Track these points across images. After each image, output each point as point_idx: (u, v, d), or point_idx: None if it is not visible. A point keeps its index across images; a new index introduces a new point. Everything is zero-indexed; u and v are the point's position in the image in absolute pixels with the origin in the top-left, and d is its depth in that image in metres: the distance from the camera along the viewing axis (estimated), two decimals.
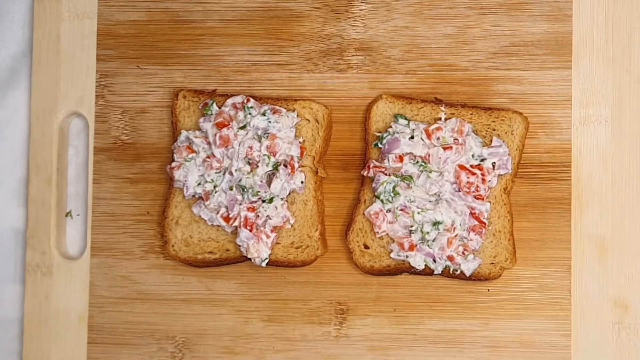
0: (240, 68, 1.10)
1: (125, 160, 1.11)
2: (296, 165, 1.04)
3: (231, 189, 1.05)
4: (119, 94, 1.11)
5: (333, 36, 1.09)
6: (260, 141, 1.04)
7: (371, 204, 1.05)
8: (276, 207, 1.04)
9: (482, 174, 1.02)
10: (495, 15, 1.07)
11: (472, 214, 1.02)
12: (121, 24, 1.12)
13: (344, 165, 1.08)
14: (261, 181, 1.04)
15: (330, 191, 1.08)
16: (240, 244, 1.05)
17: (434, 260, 1.03)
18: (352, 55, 1.09)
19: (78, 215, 1.13)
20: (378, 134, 1.05)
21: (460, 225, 1.02)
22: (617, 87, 1.06)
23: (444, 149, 1.02)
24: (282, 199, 1.05)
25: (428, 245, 1.02)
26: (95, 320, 1.10)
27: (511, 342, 1.06)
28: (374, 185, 1.04)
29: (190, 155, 1.06)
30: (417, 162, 1.03)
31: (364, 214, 1.05)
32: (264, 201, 1.04)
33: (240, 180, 1.04)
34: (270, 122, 1.04)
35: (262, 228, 1.04)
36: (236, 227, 1.05)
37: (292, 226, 1.06)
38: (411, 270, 1.05)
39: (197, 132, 1.07)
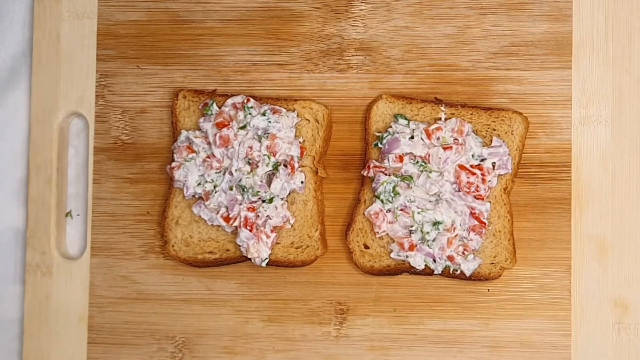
0: (240, 68, 1.10)
1: (125, 160, 1.11)
2: (296, 165, 1.04)
3: (231, 189, 1.05)
4: (119, 94, 1.11)
5: (333, 36, 1.09)
6: (260, 141, 1.04)
7: (371, 204, 1.05)
8: (276, 207, 1.04)
9: (482, 174, 1.02)
10: (495, 15, 1.07)
11: (472, 214, 1.02)
12: (121, 24, 1.12)
13: (344, 165, 1.08)
14: (261, 181, 1.04)
15: (330, 191, 1.08)
16: (240, 244, 1.05)
17: (434, 260, 1.03)
18: (352, 55, 1.09)
19: (78, 215, 1.13)
20: (378, 134, 1.05)
21: (460, 225, 1.02)
22: (617, 87, 1.06)
23: (444, 149, 1.02)
24: (282, 199, 1.05)
25: (428, 245, 1.02)
26: (95, 320, 1.10)
27: (511, 342, 1.06)
28: (374, 185, 1.04)
29: (190, 155, 1.06)
30: (417, 162, 1.03)
31: (364, 214, 1.05)
32: (264, 201, 1.04)
33: (240, 180, 1.04)
34: (270, 122, 1.04)
35: (262, 228, 1.04)
36: (236, 227, 1.05)
37: (292, 226, 1.06)
38: (411, 270, 1.05)
39: (197, 132, 1.07)
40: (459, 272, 1.04)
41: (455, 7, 1.08)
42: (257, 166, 1.04)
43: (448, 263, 1.03)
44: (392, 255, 1.05)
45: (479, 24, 1.07)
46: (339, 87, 1.09)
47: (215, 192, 1.05)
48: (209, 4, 1.11)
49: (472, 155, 1.03)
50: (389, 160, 1.03)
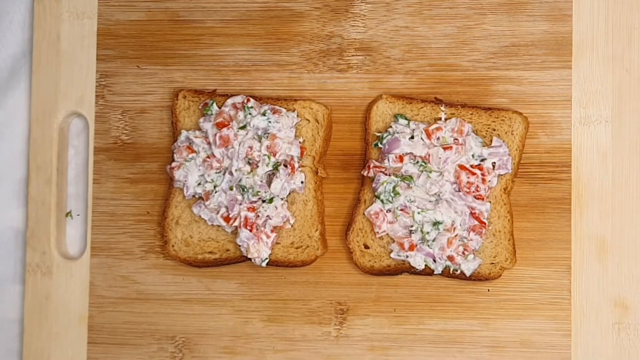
0: (240, 68, 1.10)
1: (125, 160, 1.11)
2: (296, 165, 1.04)
3: (231, 189, 1.05)
4: (119, 94, 1.11)
5: (333, 36, 1.09)
6: (260, 141, 1.04)
7: (371, 204, 1.05)
8: (276, 207, 1.04)
9: (482, 174, 1.02)
10: (495, 15, 1.07)
11: (472, 214, 1.02)
12: (121, 24, 1.12)
13: (344, 165, 1.08)
14: (261, 181, 1.04)
15: (330, 191, 1.08)
16: (240, 244, 1.05)
17: (434, 260, 1.03)
18: (352, 55, 1.09)
19: (78, 215, 1.13)
20: (378, 134, 1.05)
21: (460, 225, 1.02)
22: (617, 87, 1.06)
23: (444, 149, 1.02)
24: (282, 199, 1.05)
25: (428, 245, 1.02)
26: (95, 320, 1.10)
27: (511, 342, 1.06)
28: (374, 185, 1.04)
29: (190, 155, 1.06)
30: (417, 162, 1.03)
31: (364, 214, 1.05)
32: (264, 201, 1.04)
33: (240, 180, 1.04)
34: (270, 122, 1.04)
35: (262, 228, 1.04)
36: (236, 227, 1.05)
37: (292, 226, 1.06)
38: (411, 270, 1.05)
39: (197, 132, 1.07)
40: (459, 272, 1.04)
41: (455, 7, 1.08)
42: (257, 166, 1.04)
43: (448, 263, 1.03)
44: (392, 255, 1.05)
45: (479, 24, 1.07)
46: (339, 87, 1.09)
47: (215, 192, 1.05)
48: (209, 4, 1.11)
49: (472, 155, 1.03)
50: (389, 160, 1.03)
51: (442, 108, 1.05)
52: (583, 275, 1.05)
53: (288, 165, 1.04)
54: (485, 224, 1.03)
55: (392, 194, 1.03)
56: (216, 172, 1.05)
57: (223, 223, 1.05)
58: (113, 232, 1.11)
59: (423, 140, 1.03)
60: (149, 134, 1.11)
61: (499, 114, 1.05)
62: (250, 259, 1.06)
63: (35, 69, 1.12)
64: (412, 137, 1.03)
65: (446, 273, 1.04)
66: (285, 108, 1.06)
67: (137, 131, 1.11)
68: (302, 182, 1.06)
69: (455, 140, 1.03)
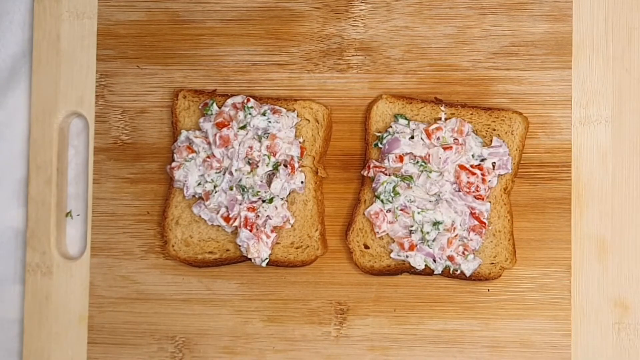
0: (240, 68, 1.10)
1: (125, 160, 1.11)
2: (296, 165, 1.04)
3: (231, 189, 1.05)
4: (119, 94, 1.11)
5: (333, 36, 1.09)
6: (260, 141, 1.04)
7: (371, 204, 1.05)
8: (276, 207, 1.04)
9: (482, 174, 1.02)
10: (495, 15, 1.07)
11: (472, 214, 1.02)
12: (121, 24, 1.12)
13: (344, 165, 1.08)
14: (261, 181, 1.04)
15: (330, 191, 1.08)
16: (240, 244, 1.05)
17: (434, 260, 1.03)
18: (352, 55, 1.09)
19: (78, 215, 1.13)
20: (378, 134, 1.05)
21: (460, 225, 1.02)
22: (617, 87, 1.06)
23: (444, 149, 1.02)
24: (282, 199, 1.05)
25: (428, 245, 1.02)
26: (95, 320, 1.10)
27: (511, 342, 1.06)
28: (374, 185, 1.04)
29: (190, 155, 1.06)
30: (417, 162, 1.03)
31: (364, 214, 1.05)
32: (264, 201, 1.04)
33: (240, 180, 1.04)
34: (270, 122, 1.04)
35: (262, 228, 1.04)
36: (236, 227, 1.05)
37: (292, 226, 1.06)
38: (411, 270, 1.05)
39: (197, 132, 1.07)
40: (459, 272, 1.04)
41: (455, 7, 1.08)
42: (257, 166, 1.04)
43: (448, 263, 1.03)
44: (392, 255, 1.05)
45: (479, 24, 1.07)
46: (339, 87, 1.09)
47: (215, 192, 1.05)
48: (209, 4, 1.11)
49: (472, 155, 1.03)
50: (389, 160, 1.03)
51: (442, 108, 1.05)
52: (583, 275, 1.05)
53: (288, 165, 1.04)
54: (485, 224, 1.03)
55: (392, 194, 1.03)
56: (216, 172, 1.05)
57: (223, 223, 1.05)
58: (113, 232, 1.11)
59: (423, 140, 1.03)
60: (149, 134, 1.11)
61: (499, 114, 1.05)
62: (250, 259, 1.06)
63: (35, 69, 1.12)
64: (412, 137, 1.03)
65: (446, 273, 1.04)
66: (285, 108, 1.06)
67: (137, 131, 1.11)
68: (302, 182, 1.06)
69: (455, 140, 1.02)
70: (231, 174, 1.04)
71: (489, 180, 1.02)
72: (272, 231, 1.05)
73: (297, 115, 1.06)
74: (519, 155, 1.04)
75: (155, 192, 1.11)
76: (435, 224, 1.02)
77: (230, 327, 1.09)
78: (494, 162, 1.03)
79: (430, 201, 1.03)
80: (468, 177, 1.02)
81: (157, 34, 1.11)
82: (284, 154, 1.04)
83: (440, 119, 1.04)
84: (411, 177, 1.02)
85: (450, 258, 1.03)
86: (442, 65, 1.08)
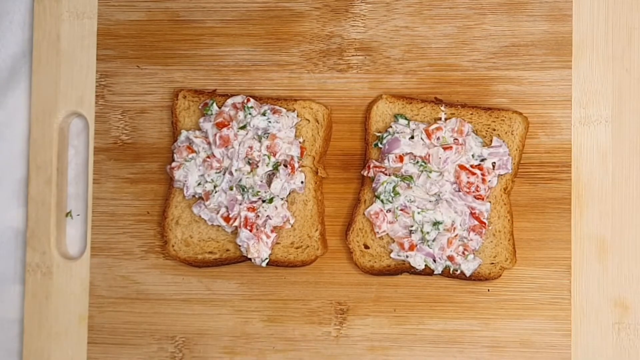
0: (240, 68, 1.10)
1: (125, 160, 1.11)
2: (296, 165, 1.04)
3: (231, 189, 1.05)
4: (119, 94, 1.11)
5: (333, 36, 1.09)
6: (260, 141, 1.04)
7: (371, 204, 1.05)
8: (276, 207, 1.04)
9: (482, 174, 1.02)
10: (495, 15, 1.07)
11: (472, 214, 1.02)
12: (121, 24, 1.12)
13: (344, 165, 1.08)
14: (261, 181, 1.04)
15: (330, 191, 1.08)
16: (240, 244, 1.05)
17: (434, 260, 1.03)
18: (352, 55, 1.09)
19: (78, 215, 1.13)
20: (378, 134, 1.05)
21: (460, 225, 1.02)
22: (617, 87, 1.06)
23: (444, 149, 1.02)
24: (282, 199, 1.05)
25: (428, 245, 1.02)
26: (95, 320, 1.10)
27: (511, 342, 1.06)
28: (374, 185, 1.04)
29: (190, 155, 1.06)
30: (417, 162, 1.03)
31: (364, 214, 1.05)
32: (264, 201, 1.04)
33: (240, 180, 1.04)
34: (270, 122, 1.04)
35: (262, 228, 1.04)
36: (236, 227, 1.05)
37: (292, 226, 1.06)
38: (411, 270, 1.05)
39: (197, 132, 1.07)
40: (459, 272, 1.04)
41: (455, 7, 1.08)
42: (257, 166, 1.04)
43: (448, 263, 1.03)
44: (392, 255, 1.05)
45: (479, 24, 1.07)
46: (339, 87, 1.09)
47: (215, 192, 1.05)
48: (209, 4, 1.11)
49: (472, 155, 1.03)
50: (389, 160, 1.03)
51: (442, 108, 1.05)
52: (583, 275, 1.05)
53: (288, 165, 1.04)
54: (485, 224, 1.03)
55: (392, 194, 1.03)
56: (216, 172, 1.05)
57: (223, 223, 1.05)
58: (113, 232, 1.11)
59: (423, 140, 1.03)
60: (149, 134, 1.11)
61: (499, 114, 1.05)
62: (250, 259, 1.06)
63: (35, 69, 1.12)
64: (412, 137, 1.03)
65: (446, 273, 1.04)
66: (285, 108, 1.06)
67: (137, 131, 1.11)
68: (302, 182, 1.06)
69: (455, 140, 1.02)
70: (231, 174, 1.04)
71: (489, 180, 1.02)
72: (272, 231, 1.05)
73: (297, 115, 1.06)
74: (519, 155, 1.04)
75: (155, 192, 1.11)
76: (435, 224, 1.02)
77: (230, 327, 1.09)
78: (494, 162, 1.03)
79: (430, 201, 1.03)
80: (468, 177, 1.02)
81: (157, 34, 1.11)
82: (284, 154, 1.04)
83: (440, 119, 1.04)
84: (411, 177, 1.02)
85: (450, 258, 1.03)
86: (442, 65, 1.08)
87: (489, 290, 1.06)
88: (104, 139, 1.11)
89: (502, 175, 1.04)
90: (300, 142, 1.06)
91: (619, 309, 1.05)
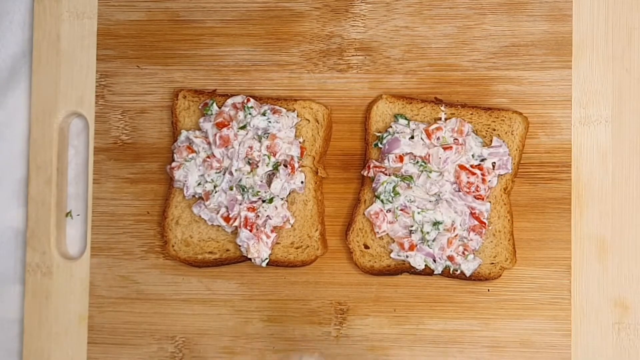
0: (240, 68, 1.10)
1: (125, 160, 1.11)
2: (296, 165, 1.04)
3: (231, 189, 1.05)
4: (119, 94, 1.11)
5: (333, 36, 1.09)
6: (260, 141, 1.04)
7: (371, 204, 1.05)
8: (276, 207, 1.04)
9: (482, 174, 1.02)
10: (495, 15, 1.07)
11: (472, 214, 1.02)
12: (121, 24, 1.12)
13: (344, 165, 1.08)
14: (261, 181, 1.04)
15: (330, 191, 1.08)
16: (240, 244, 1.05)
17: (434, 260, 1.03)
18: (352, 55, 1.09)
19: (78, 215, 1.13)
20: (378, 134, 1.05)
21: (460, 225, 1.02)
22: (617, 87, 1.06)
23: (444, 149, 1.02)
24: (282, 199, 1.05)
25: (428, 245, 1.02)
26: (95, 320, 1.10)
27: (511, 342, 1.06)
28: (374, 185, 1.04)
29: (190, 155, 1.06)
30: (417, 162, 1.03)
31: (364, 214, 1.05)
32: (264, 201, 1.04)
33: (240, 180, 1.04)
34: (270, 122, 1.04)
35: (262, 228, 1.04)
36: (236, 227, 1.05)
37: (292, 226, 1.06)
38: (411, 270, 1.05)
39: (197, 132, 1.07)
40: (459, 272, 1.04)
41: (455, 7, 1.08)
42: (257, 166, 1.04)
43: (448, 263, 1.03)
44: (392, 255, 1.05)
45: (479, 24, 1.07)
46: (339, 87, 1.09)
47: (215, 192, 1.05)
48: (209, 4, 1.11)
49: (472, 155, 1.03)
50: (389, 160, 1.03)
51: (442, 108, 1.05)
52: (583, 275, 1.05)
53: (288, 165, 1.04)
54: (485, 224, 1.03)
55: (392, 194, 1.03)
56: (216, 172, 1.05)
57: (223, 223, 1.05)
58: (113, 232, 1.11)
59: (423, 140, 1.03)
60: (149, 134, 1.11)
61: (499, 114, 1.05)
62: (250, 259, 1.06)
63: (35, 69, 1.12)
64: (412, 137, 1.03)
65: (446, 273, 1.04)
66: (285, 108, 1.06)
67: (137, 131, 1.11)
68: (302, 182, 1.06)
69: (455, 140, 1.03)
70: (231, 174, 1.04)
71: (489, 180, 1.02)
72: (272, 231, 1.05)
73: (297, 115, 1.06)
74: (519, 155, 1.04)
75: (155, 192, 1.11)
76: (435, 224, 1.02)
77: (230, 327, 1.09)
78: (494, 162, 1.03)
79: (430, 201, 1.03)
80: (468, 177, 1.02)
81: (157, 34, 1.11)
82: (284, 154, 1.04)
83: (440, 119, 1.04)
84: (411, 177, 1.02)
85: (450, 258, 1.03)
86: (442, 65, 1.08)
87: (489, 290, 1.06)
88: (104, 139, 1.11)
89: (502, 175, 1.04)
90: (300, 142, 1.06)
91: (619, 309, 1.05)
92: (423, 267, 1.03)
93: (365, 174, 1.05)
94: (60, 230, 1.12)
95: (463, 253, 1.03)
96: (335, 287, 1.08)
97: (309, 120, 1.07)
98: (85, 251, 1.11)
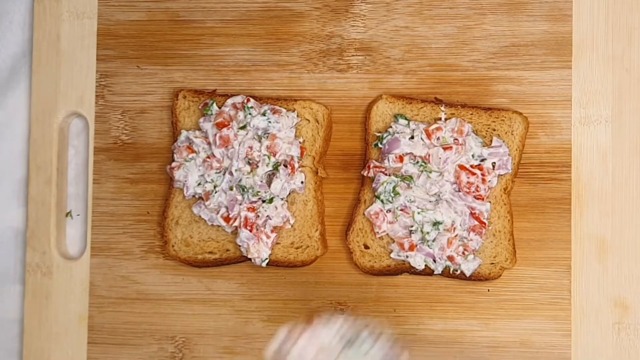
0: (240, 68, 1.10)
1: (125, 160, 1.11)
2: (296, 165, 1.04)
3: (231, 189, 1.05)
4: (119, 94, 1.11)
5: (333, 36, 1.09)
6: (260, 141, 1.04)
7: (371, 204, 1.05)
8: (276, 207, 1.04)
9: (482, 174, 1.02)
10: (495, 15, 1.07)
11: (472, 214, 1.02)
12: (121, 24, 1.12)
13: (344, 165, 1.09)
14: (261, 181, 1.04)
15: (330, 191, 1.08)
16: (240, 244, 1.05)
17: (434, 261, 1.03)
18: (352, 55, 1.09)
19: (78, 215, 1.13)
20: (378, 134, 1.05)
21: (460, 225, 1.02)
22: (617, 87, 1.06)
23: (444, 149, 1.02)
24: (282, 199, 1.05)
25: (428, 246, 1.02)
26: (95, 320, 1.10)
27: (511, 342, 1.06)
28: (374, 185, 1.04)
29: (190, 156, 1.06)
30: (417, 162, 1.03)
31: (364, 214, 1.05)
32: (264, 201, 1.04)
33: (240, 180, 1.04)
34: (270, 122, 1.04)
35: (262, 228, 1.04)
36: (236, 227, 1.05)
37: (292, 226, 1.06)
38: (411, 271, 1.05)
39: (197, 132, 1.07)
40: (459, 272, 1.04)
41: (455, 7, 1.08)
42: (257, 166, 1.04)
43: (448, 263, 1.03)
44: (392, 255, 1.05)
45: (479, 24, 1.07)
46: (339, 87, 1.09)
47: (215, 192, 1.05)
48: (209, 4, 1.11)
49: (472, 155, 1.03)
50: (389, 160, 1.03)
51: (442, 108, 1.05)
52: (583, 275, 1.05)
53: (288, 165, 1.04)
54: (485, 224, 1.03)
55: (392, 194, 1.03)
56: (216, 172, 1.05)
57: (223, 223, 1.05)
58: (113, 232, 1.11)
59: (423, 140, 1.03)
60: (149, 134, 1.11)
61: (499, 114, 1.05)
62: (250, 259, 1.06)
63: (35, 69, 1.12)
64: (412, 137, 1.03)
65: (446, 273, 1.04)
66: (285, 108, 1.06)
67: (137, 131, 1.11)
68: (302, 182, 1.06)
69: (455, 140, 1.03)
70: (231, 174, 1.04)
71: (489, 181, 1.02)
72: (272, 231, 1.05)
73: (297, 115, 1.06)
74: (519, 155, 1.04)
75: (155, 192, 1.11)
76: (435, 224, 1.02)
77: (230, 327, 1.09)
78: (494, 162, 1.03)
79: (430, 201, 1.03)
80: (468, 177, 1.02)
81: (157, 34, 1.11)
82: (284, 154, 1.04)
83: (440, 119, 1.04)
84: (411, 177, 1.02)
85: (450, 258, 1.03)
86: (442, 65, 1.08)
87: (489, 290, 1.06)
88: (104, 139, 1.11)
89: (502, 175, 1.04)
90: (300, 142, 1.06)
91: (619, 309, 1.05)
92: (423, 267, 1.03)
93: (365, 174, 1.05)
94: (60, 230, 1.12)
95: (463, 253, 1.03)
96: (335, 287, 1.08)
97: (309, 120, 1.07)
98: (85, 251, 1.11)
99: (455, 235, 1.02)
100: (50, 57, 1.12)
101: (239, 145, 1.04)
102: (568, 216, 1.05)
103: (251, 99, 1.05)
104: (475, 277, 1.04)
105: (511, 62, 1.07)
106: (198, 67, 1.10)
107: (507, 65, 1.07)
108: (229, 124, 1.04)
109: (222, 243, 1.08)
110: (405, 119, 1.05)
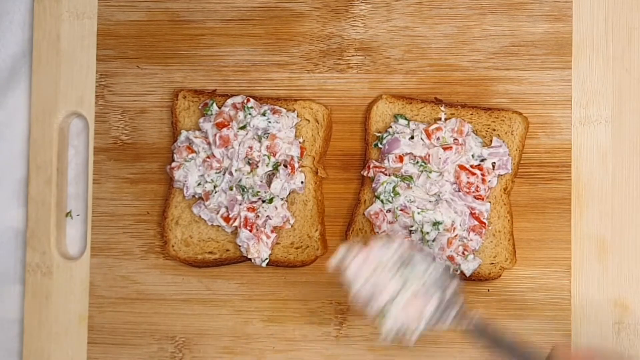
0: (240, 68, 1.10)
1: (125, 160, 1.11)
2: (296, 165, 1.04)
3: (231, 189, 1.05)
4: (119, 94, 1.11)
5: (333, 36, 1.09)
6: (260, 141, 1.04)
7: (371, 204, 1.05)
8: (276, 207, 1.04)
9: (482, 174, 1.02)
10: (495, 15, 1.07)
11: (472, 214, 1.02)
12: (121, 24, 1.12)
13: (344, 165, 1.08)
14: (261, 181, 1.04)
15: (330, 191, 1.08)
16: (240, 244, 1.05)
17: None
18: (352, 55, 1.09)
19: (78, 215, 1.13)
20: (378, 134, 1.05)
21: (460, 225, 1.02)
22: (617, 87, 1.06)
23: (444, 149, 1.02)
24: (282, 199, 1.05)
25: (428, 246, 1.02)
26: (95, 320, 1.10)
27: None
28: (374, 185, 1.04)
29: (190, 156, 1.06)
30: (417, 162, 1.03)
31: (364, 214, 1.05)
32: (264, 201, 1.04)
33: (240, 181, 1.04)
34: (270, 122, 1.04)
35: (262, 228, 1.04)
36: (236, 227, 1.05)
37: (292, 226, 1.06)
38: None
39: (197, 132, 1.07)
40: (459, 272, 1.04)
41: (455, 7, 1.08)
42: (257, 166, 1.04)
43: (448, 263, 1.03)
44: None
45: (479, 24, 1.07)
46: (339, 87, 1.09)
47: (215, 192, 1.05)
48: (209, 4, 1.11)
49: (472, 156, 1.03)
50: (389, 161, 1.03)
51: (442, 108, 1.05)
52: (583, 275, 1.05)
53: (288, 166, 1.04)
54: (485, 224, 1.03)
55: (392, 194, 1.03)
56: (216, 172, 1.05)
57: (223, 223, 1.05)
58: (113, 232, 1.11)
59: (423, 140, 1.03)
60: (149, 134, 1.11)
61: (499, 114, 1.05)
62: (250, 259, 1.06)
63: (35, 69, 1.12)
64: (412, 137, 1.03)
65: None
66: (285, 108, 1.06)
67: (137, 131, 1.11)
68: (302, 182, 1.06)
69: (455, 141, 1.03)
70: (231, 174, 1.04)
71: (489, 181, 1.02)
72: (272, 231, 1.05)
73: (297, 115, 1.06)
74: (519, 155, 1.04)
75: (155, 192, 1.11)
76: (435, 224, 1.02)
77: (230, 327, 1.09)
78: (494, 162, 1.03)
79: (430, 201, 1.03)
80: (468, 177, 1.02)
81: (157, 34, 1.11)
82: (284, 154, 1.04)
83: (440, 119, 1.04)
84: (411, 177, 1.02)
85: (450, 258, 1.03)
86: (442, 65, 1.08)
87: (489, 290, 1.06)
88: (104, 139, 1.11)
89: (502, 175, 1.04)
90: (300, 142, 1.06)
91: (619, 309, 1.05)
92: None
93: (365, 174, 1.05)
94: (60, 230, 1.12)
95: (463, 253, 1.03)
96: (335, 287, 1.08)
97: (309, 121, 1.07)
98: (85, 251, 1.11)
99: (455, 235, 1.02)
100: (50, 57, 1.12)
101: (239, 145, 1.04)
102: (568, 216, 1.05)
103: (251, 99, 1.05)
104: (475, 277, 1.04)
105: (511, 62, 1.07)
106: (198, 67, 1.10)
107: (507, 66, 1.07)
108: (229, 124, 1.04)
109: (222, 243, 1.08)
110: (405, 119, 1.05)
